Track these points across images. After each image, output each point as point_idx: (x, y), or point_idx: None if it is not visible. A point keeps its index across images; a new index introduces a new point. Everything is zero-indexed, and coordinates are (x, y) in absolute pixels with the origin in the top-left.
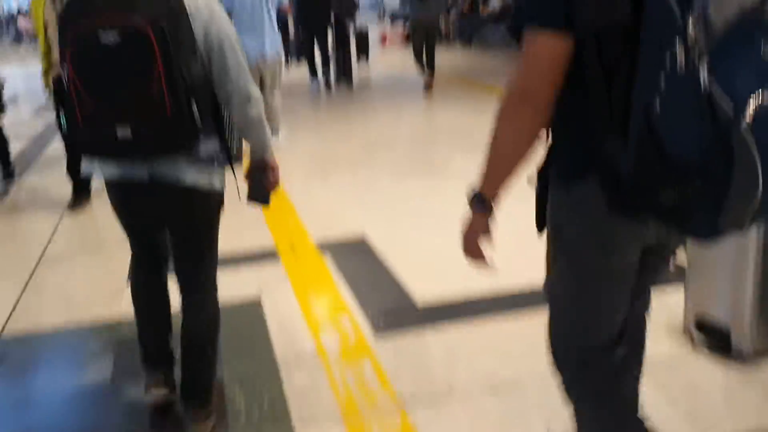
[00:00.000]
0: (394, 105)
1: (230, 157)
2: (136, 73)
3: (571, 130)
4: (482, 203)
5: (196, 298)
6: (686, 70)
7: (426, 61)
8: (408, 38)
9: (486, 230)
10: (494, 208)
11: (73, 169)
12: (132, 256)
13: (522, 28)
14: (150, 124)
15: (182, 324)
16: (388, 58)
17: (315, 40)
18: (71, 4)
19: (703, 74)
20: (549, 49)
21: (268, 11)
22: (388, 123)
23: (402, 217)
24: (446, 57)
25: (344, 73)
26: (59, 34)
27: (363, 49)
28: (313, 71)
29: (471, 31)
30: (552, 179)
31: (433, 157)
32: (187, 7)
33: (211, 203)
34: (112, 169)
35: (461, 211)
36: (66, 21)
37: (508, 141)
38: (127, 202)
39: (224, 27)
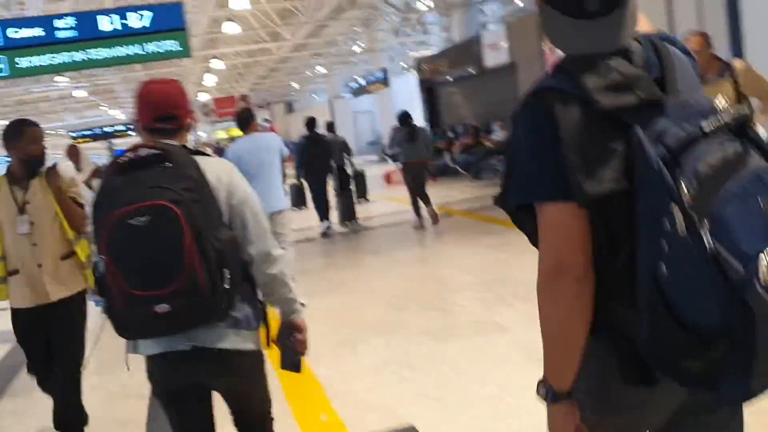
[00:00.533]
0: (407, 247)
1: (265, 318)
2: (167, 248)
3: None
4: (555, 396)
5: None
6: (688, 232)
7: (421, 199)
8: None
9: (573, 426)
10: (570, 398)
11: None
12: None
13: (515, 204)
14: (187, 299)
15: None
16: (395, 196)
17: (315, 186)
18: (101, 194)
19: (706, 235)
20: (566, 218)
21: (277, 165)
22: (408, 270)
23: (453, 391)
24: (454, 191)
25: (348, 217)
26: (94, 226)
27: (362, 190)
28: (323, 216)
29: (477, 162)
30: None
31: (468, 310)
32: (208, 178)
33: (253, 362)
34: (154, 345)
35: (517, 375)
36: (98, 214)
37: (559, 320)
38: (173, 372)
39: (244, 191)
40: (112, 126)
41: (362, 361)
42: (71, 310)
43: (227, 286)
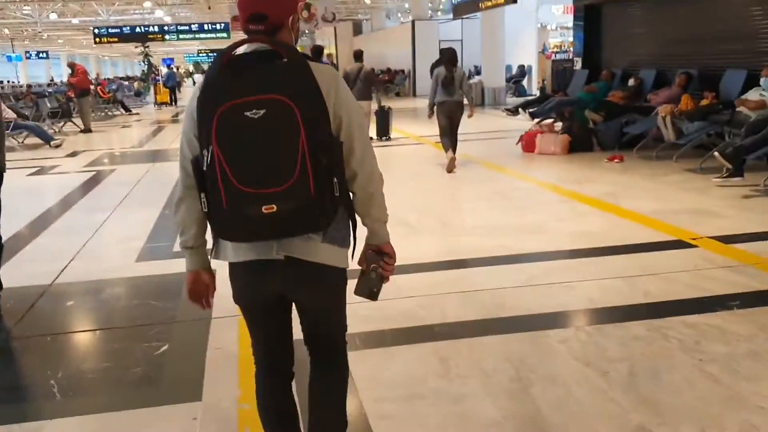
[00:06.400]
0: None
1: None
2: (281, 145)
3: None
4: None
5: (330, 373)
6: None
7: (450, 141)
8: None
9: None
10: None
11: None
12: (257, 368)
13: None
14: (295, 202)
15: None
16: None
17: None
18: (209, 87)
19: None
20: None
21: None
22: None
23: None
24: None
25: None
26: (198, 116)
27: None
28: None
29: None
30: None
31: None
32: (320, 85)
33: (340, 281)
34: (244, 252)
35: None
36: (206, 102)
37: None
38: (259, 281)
39: (352, 102)
40: (147, 26)
41: None
42: None
43: (337, 194)
